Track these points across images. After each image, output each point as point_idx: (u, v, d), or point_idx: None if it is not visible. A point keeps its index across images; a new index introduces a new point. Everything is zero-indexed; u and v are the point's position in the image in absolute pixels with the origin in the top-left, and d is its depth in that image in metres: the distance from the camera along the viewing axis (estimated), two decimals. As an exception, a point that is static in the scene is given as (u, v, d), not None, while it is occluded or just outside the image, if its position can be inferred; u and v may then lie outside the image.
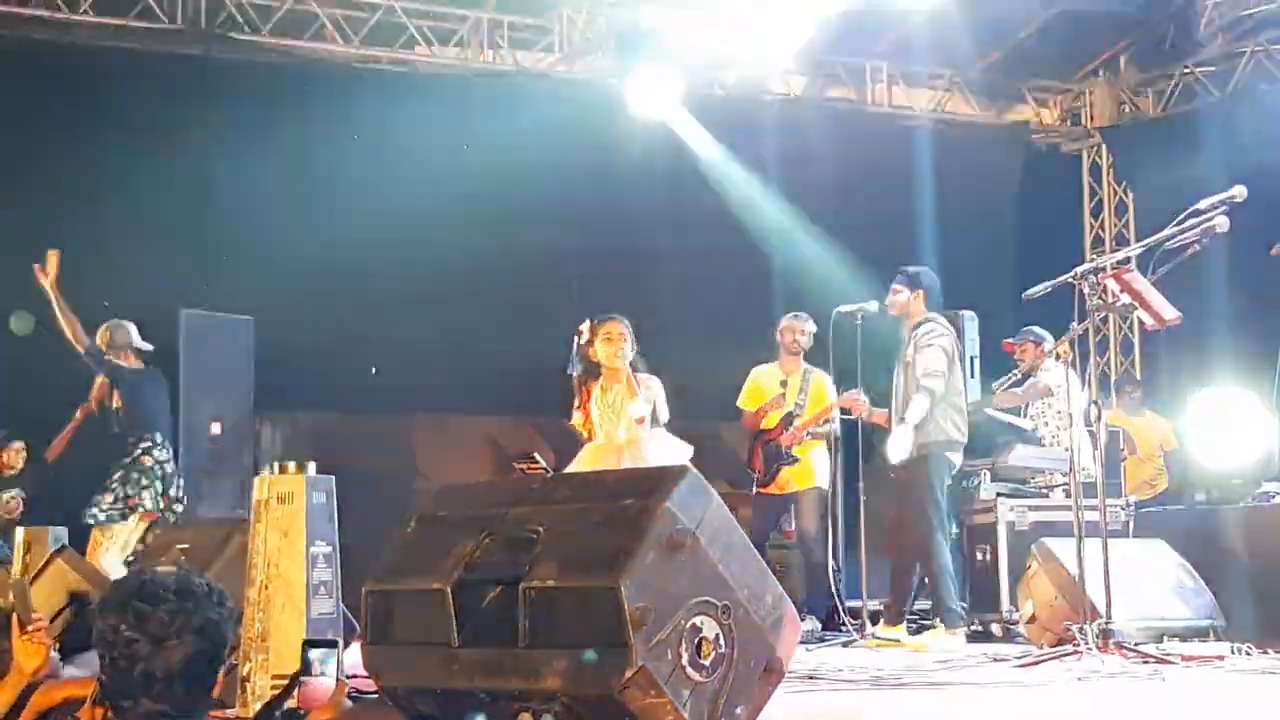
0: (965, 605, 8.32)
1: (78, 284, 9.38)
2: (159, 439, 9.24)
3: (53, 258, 8.88)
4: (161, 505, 9.05)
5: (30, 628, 4.28)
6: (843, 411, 9.04)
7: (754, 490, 9.14)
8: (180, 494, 9.23)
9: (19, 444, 10.79)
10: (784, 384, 9.21)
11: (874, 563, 8.84)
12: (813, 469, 9.09)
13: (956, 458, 8.10)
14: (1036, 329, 9.45)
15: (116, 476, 9.02)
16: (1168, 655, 6.20)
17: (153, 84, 11.25)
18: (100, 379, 9.38)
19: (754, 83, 13.23)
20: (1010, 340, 9.71)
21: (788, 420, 9.12)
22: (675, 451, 7.50)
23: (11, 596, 4.69)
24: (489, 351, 11.86)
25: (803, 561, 9.20)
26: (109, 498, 8.96)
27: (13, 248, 9.81)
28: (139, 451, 9.10)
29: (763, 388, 9.30)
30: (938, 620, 8.03)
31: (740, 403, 9.39)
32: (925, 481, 7.91)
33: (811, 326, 9.20)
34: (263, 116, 11.33)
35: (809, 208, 12.72)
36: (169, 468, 9.22)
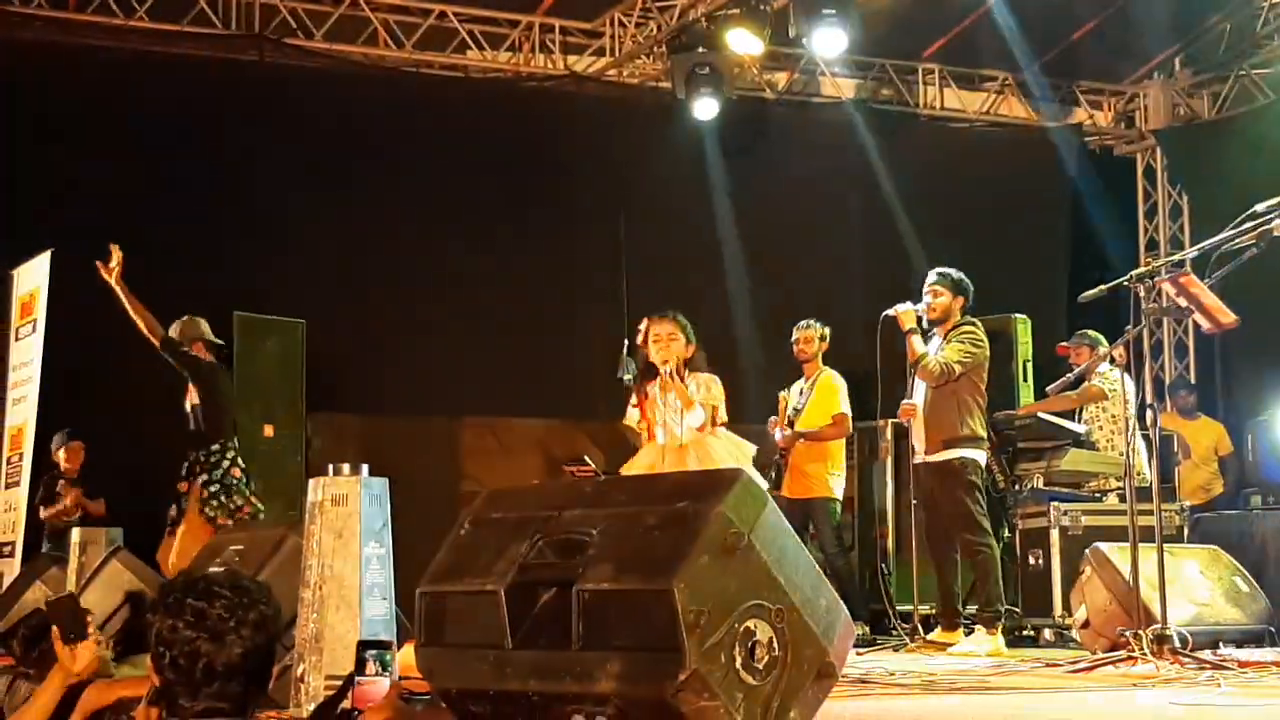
0: (1007, 606, 8.27)
1: (131, 285, 9.44)
2: (236, 444, 8.92)
3: (115, 253, 8.70)
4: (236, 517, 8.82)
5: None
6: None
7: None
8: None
9: (78, 443, 10.85)
10: (801, 392, 9.41)
11: (924, 566, 8.78)
12: (822, 478, 9.24)
13: (982, 457, 8.10)
14: (1091, 333, 9.40)
15: (214, 491, 8.64)
16: (1223, 661, 6.13)
17: (206, 89, 11.34)
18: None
19: (803, 85, 13.21)
20: (1065, 344, 9.68)
21: (790, 423, 9.31)
22: (738, 450, 7.47)
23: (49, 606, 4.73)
24: (538, 355, 11.89)
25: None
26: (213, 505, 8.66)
27: (68, 248, 9.93)
28: (228, 463, 8.75)
29: (786, 400, 9.52)
30: (978, 622, 7.98)
31: None
32: (965, 481, 7.89)
33: (814, 331, 9.35)
34: (315, 121, 11.41)
35: (860, 211, 12.69)
36: (246, 475, 8.89)
